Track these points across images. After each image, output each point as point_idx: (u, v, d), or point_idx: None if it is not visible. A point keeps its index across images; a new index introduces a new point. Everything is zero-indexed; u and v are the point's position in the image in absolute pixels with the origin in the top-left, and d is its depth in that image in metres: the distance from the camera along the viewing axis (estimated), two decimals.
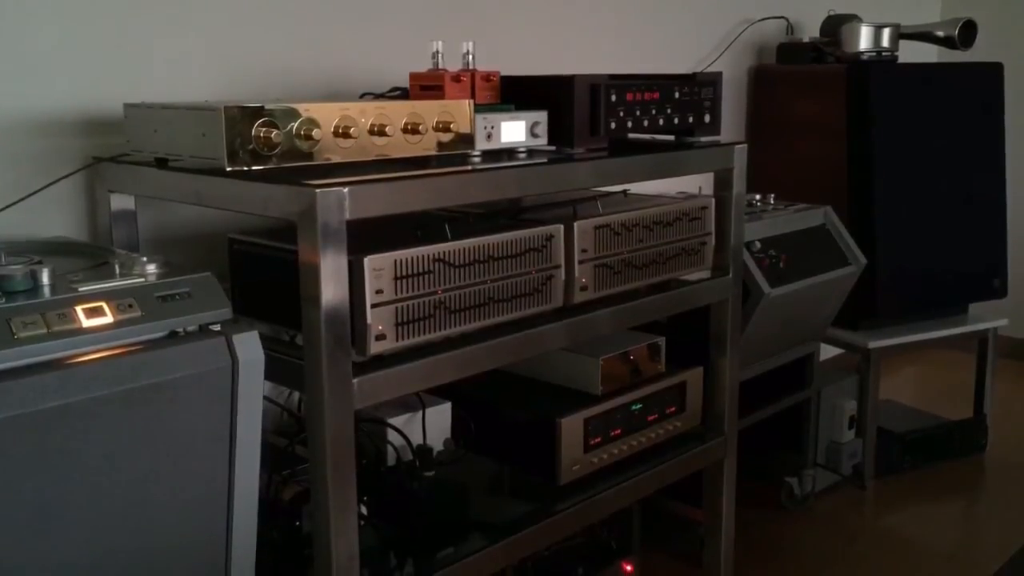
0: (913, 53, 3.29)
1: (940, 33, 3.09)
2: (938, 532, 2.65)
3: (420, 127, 1.54)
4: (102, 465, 1.19)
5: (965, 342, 3.13)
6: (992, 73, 3.06)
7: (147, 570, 1.28)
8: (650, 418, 1.99)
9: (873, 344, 2.84)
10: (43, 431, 1.12)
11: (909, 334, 2.92)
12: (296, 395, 1.89)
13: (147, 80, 1.79)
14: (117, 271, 1.30)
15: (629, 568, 2.25)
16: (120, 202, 1.70)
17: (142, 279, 1.27)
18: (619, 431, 1.92)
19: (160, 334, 1.25)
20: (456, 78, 1.69)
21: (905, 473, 2.95)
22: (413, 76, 1.74)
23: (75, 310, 1.18)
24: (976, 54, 3.14)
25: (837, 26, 3.06)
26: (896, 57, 3.02)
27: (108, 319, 1.20)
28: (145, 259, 1.31)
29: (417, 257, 1.48)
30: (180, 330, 1.26)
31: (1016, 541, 2.56)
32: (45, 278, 1.23)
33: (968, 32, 3.05)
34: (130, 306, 1.22)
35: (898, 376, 3.85)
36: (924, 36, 3.12)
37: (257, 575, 1.42)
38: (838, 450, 2.82)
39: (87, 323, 1.18)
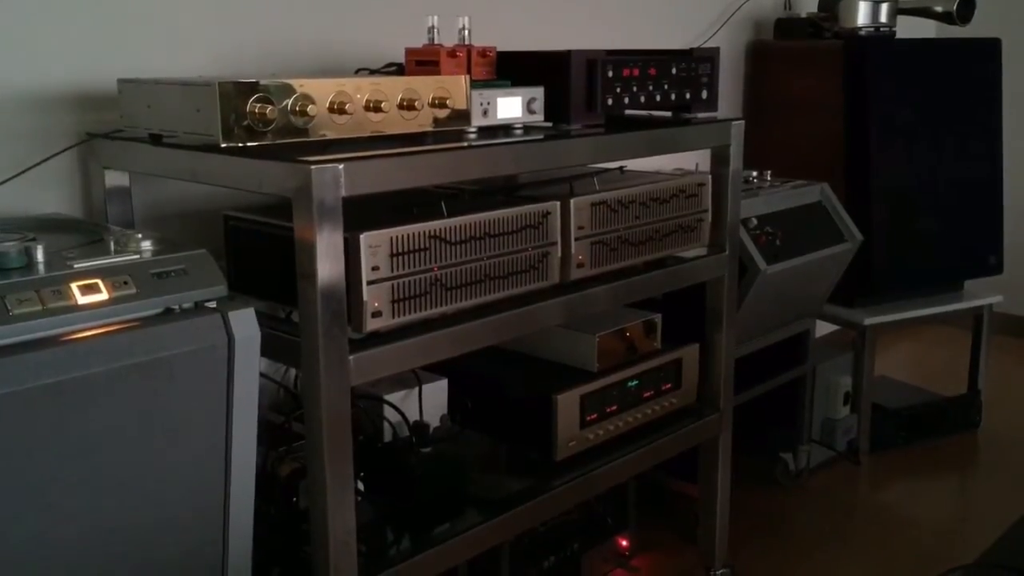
0: (911, 28, 3.27)
1: (938, 8, 3.07)
2: (932, 508, 2.67)
3: (416, 103, 1.53)
4: (98, 442, 1.19)
5: (960, 318, 3.13)
6: (990, 49, 3.05)
7: (144, 547, 1.28)
8: (646, 394, 2.00)
9: (869, 320, 2.84)
10: (38, 408, 1.12)
11: (905, 311, 2.92)
12: (292, 371, 1.89)
13: (141, 55, 1.78)
14: (112, 248, 1.30)
15: (625, 543, 2.26)
16: (114, 179, 1.69)
17: (137, 256, 1.27)
18: (615, 407, 1.93)
19: (155, 311, 1.24)
20: (452, 54, 1.68)
21: (899, 449, 2.97)
22: (409, 51, 1.72)
23: (70, 287, 1.18)
24: (974, 29, 3.12)
25: (835, 1, 3.05)
26: (894, 32, 3.00)
27: (103, 296, 1.20)
28: (140, 236, 1.30)
29: (413, 234, 1.47)
30: (176, 307, 1.26)
31: (1009, 516, 2.58)
32: (40, 255, 1.22)
33: (966, 7, 3.03)
34: (125, 283, 1.22)
35: (893, 352, 3.86)
36: (922, 11, 3.10)
37: (255, 551, 1.43)
38: (833, 426, 2.83)
39: (82, 300, 1.18)
